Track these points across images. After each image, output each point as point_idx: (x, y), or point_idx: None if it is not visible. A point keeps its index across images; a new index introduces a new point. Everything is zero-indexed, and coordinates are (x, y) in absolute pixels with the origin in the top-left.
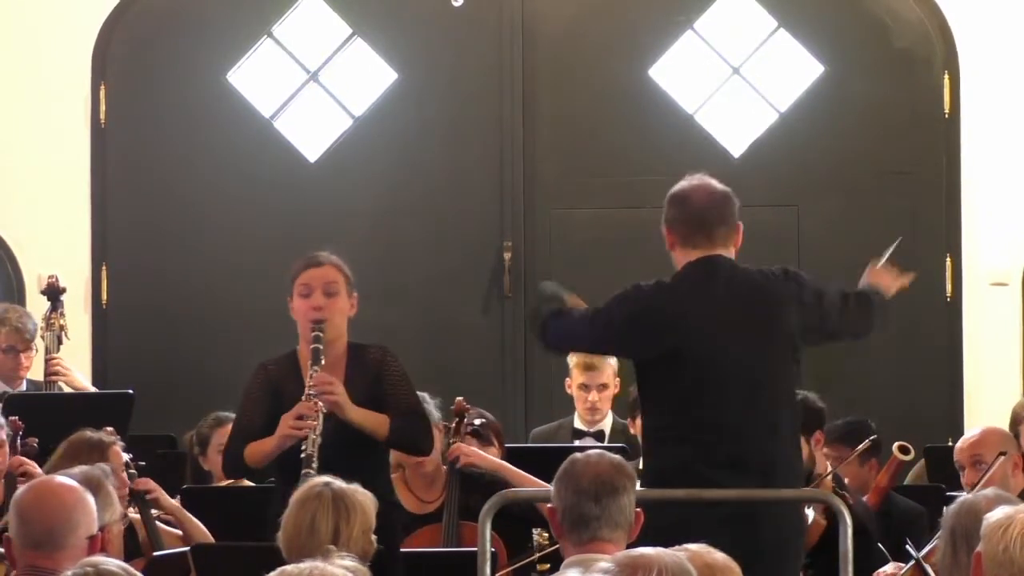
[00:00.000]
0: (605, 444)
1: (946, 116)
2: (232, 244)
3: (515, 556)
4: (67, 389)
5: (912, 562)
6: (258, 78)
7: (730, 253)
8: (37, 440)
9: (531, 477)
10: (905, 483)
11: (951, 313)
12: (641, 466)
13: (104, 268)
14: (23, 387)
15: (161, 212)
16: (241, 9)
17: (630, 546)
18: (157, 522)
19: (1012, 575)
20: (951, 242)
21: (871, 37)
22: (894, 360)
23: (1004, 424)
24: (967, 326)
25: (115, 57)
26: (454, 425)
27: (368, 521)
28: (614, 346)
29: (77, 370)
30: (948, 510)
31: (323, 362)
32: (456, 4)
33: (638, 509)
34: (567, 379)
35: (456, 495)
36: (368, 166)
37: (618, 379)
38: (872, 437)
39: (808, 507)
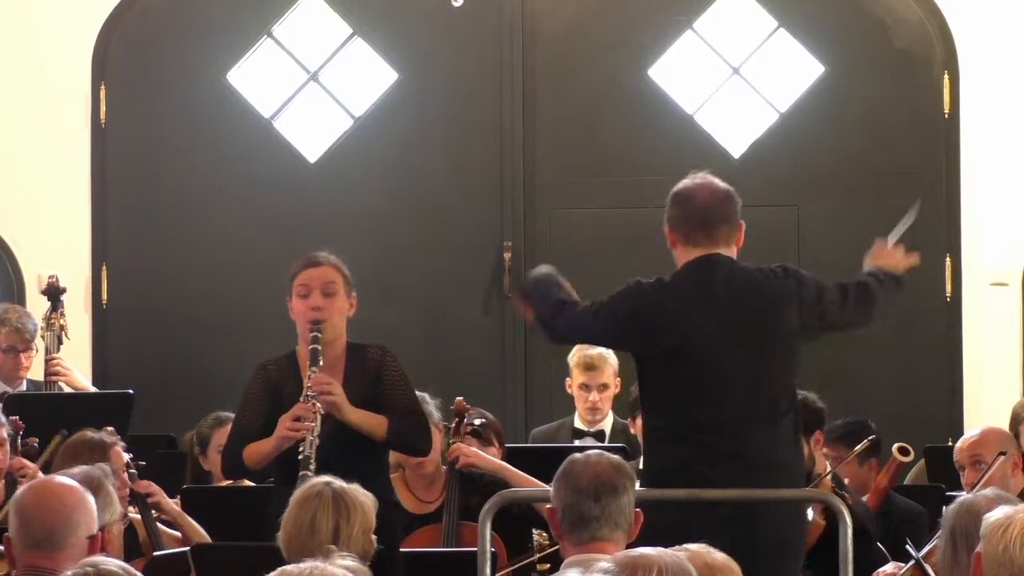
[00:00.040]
0: (605, 444)
1: (946, 116)
2: (232, 244)
3: (515, 556)
4: (67, 389)
5: (912, 562)
6: (258, 78)
7: (731, 252)
8: (37, 440)
9: (531, 478)
10: (905, 483)
11: (951, 313)
12: (642, 466)
13: (104, 268)
14: (23, 387)
15: (161, 212)
16: (241, 9)
17: (630, 546)
18: (157, 523)
19: (1012, 575)
20: (951, 242)
21: (871, 37)
22: (894, 360)
23: (1004, 424)
24: (967, 326)
25: (115, 57)
26: (454, 425)
27: (368, 520)
28: (617, 340)
29: (77, 370)
30: (948, 510)
31: (321, 363)
32: (456, 4)
33: (638, 509)
34: (567, 379)
35: (456, 495)
36: (368, 166)
37: (619, 379)
38: (871, 437)
39: (807, 507)
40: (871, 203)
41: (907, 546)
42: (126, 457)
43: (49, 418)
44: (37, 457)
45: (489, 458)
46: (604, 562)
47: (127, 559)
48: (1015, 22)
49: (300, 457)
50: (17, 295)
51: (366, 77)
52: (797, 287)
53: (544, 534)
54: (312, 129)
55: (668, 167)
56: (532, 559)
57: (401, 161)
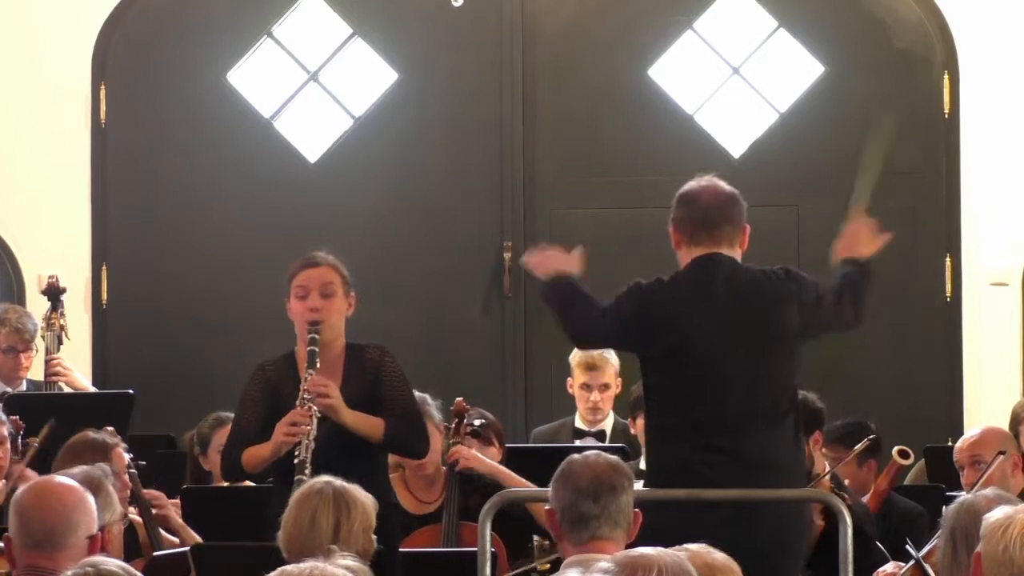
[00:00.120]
0: (606, 444)
1: (946, 116)
2: (232, 244)
3: (515, 558)
4: (67, 389)
5: (912, 562)
6: (258, 78)
7: (734, 253)
8: (37, 440)
9: (529, 483)
10: (905, 483)
11: (951, 313)
12: (642, 466)
13: (104, 268)
14: (23, 387)
15: (161, 212)
16: (241, 9)
17: (629, 546)
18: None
19: (1012, 575)
20: (951, 242)
21: (871, 37)
22: (894, 360)
23: (1004, 424)
24: (967, 326)
25: (115, 57)
26: (454, 426)
27: (368, 519)
28: (622, 341)
29: (77, 370)
30: (948, 510)
31: (318, 365)
32: (456, 4)
33: (637, 509)
34: (568, 379)
35: (456, 496)
36: (368, 166)
37: (620, 379)
38: (871, 437)
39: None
40: (871, 203)
41: (907, 546)
42: (127, 458)
43: (49, 418)
44: (37, 457)
45: (488, 462)
46: (604, 562)
47: (127, 559)
48: (1015, 22)
49: (296, 461)
50: (17, 295)
51: (366, 77)
52: (797, 289)
53: (544, 540)
54: (312, 129)
55: (668, 167)
56: (534, 565)
57: (401, 161)
